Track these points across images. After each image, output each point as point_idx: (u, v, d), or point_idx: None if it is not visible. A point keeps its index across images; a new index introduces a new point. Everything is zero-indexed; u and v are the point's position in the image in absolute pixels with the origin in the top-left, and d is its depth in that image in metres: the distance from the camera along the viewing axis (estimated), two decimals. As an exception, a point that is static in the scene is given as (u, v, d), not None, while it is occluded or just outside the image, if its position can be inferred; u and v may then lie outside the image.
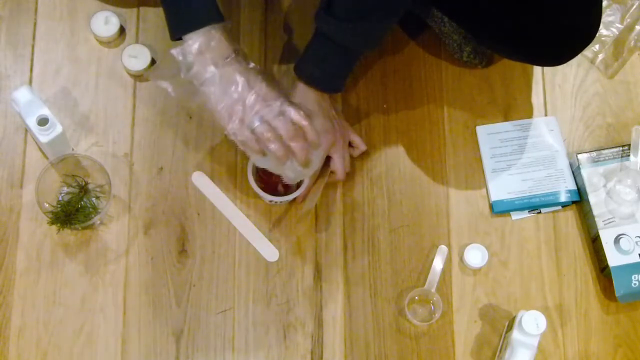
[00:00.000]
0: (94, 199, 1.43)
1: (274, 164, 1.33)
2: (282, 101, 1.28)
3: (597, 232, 1.44)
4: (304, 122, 1.28)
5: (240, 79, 1.27)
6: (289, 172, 1.34)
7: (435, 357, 1.41)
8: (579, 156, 1.49)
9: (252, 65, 1.29)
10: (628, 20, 1.61)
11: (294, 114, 1.28)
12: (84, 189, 1.42)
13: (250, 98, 1.27)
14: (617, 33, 1.60)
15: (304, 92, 1.35)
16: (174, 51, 1.27)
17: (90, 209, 1.41)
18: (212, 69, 1.26)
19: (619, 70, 1.58)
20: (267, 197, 1.40)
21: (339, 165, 1.40)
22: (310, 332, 1.41)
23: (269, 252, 1.44)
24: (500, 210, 1.48)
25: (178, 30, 1.27)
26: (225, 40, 1.26)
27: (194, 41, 1.25)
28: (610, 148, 1.50)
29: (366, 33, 1.29)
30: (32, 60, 1.52)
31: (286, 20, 1.56)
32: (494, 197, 1.49)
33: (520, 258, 1.47)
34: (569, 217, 1.49)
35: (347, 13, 1.26)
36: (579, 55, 1.48)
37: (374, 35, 1.30)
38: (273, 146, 1.28)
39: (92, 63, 1.52)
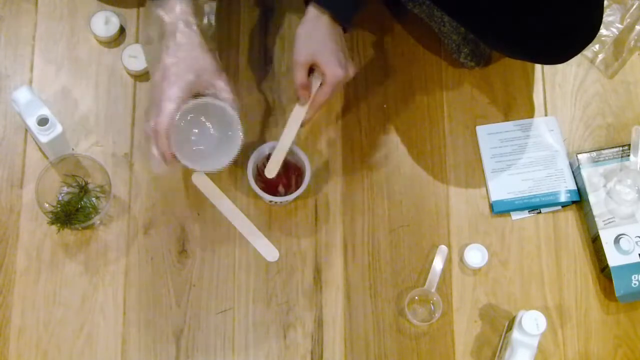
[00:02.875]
0: (94, 199, 1.43)
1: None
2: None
3: (597, 232, 1.44)
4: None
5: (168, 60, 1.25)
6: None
7: (435, 357, 1.41)
8: (579, 156, 1.49)
9: (195, 28, 1.26)
10: (628, 20, 1.61)
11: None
12: (84, 189, 1.42)
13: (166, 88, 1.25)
14: (617, 33, 1.60)
15: (315, 22, 1.30)
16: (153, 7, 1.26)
17: (90, 209, 1.41)
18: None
19: (619, 70, 1.58)
20: (267, 197, 1.40)
21: (323, 95, 1.33)
22: (310, 332, 1.41)
23: (269, 252, 1.44)
24: (500, 210, 1.48)
25: None
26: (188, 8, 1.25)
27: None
28: (610, 148, 1.50)
29: None
30: (32, 60, 1.51)
31: (286, 20, 1.56)
32: (494, 197, 1.49)
33: (520, 258, 1.47)
34: (569, 217, 1.49)
35: None
36: (579, 55, 1.48)
37: None
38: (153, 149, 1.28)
39: (92, 63, 1.52)
